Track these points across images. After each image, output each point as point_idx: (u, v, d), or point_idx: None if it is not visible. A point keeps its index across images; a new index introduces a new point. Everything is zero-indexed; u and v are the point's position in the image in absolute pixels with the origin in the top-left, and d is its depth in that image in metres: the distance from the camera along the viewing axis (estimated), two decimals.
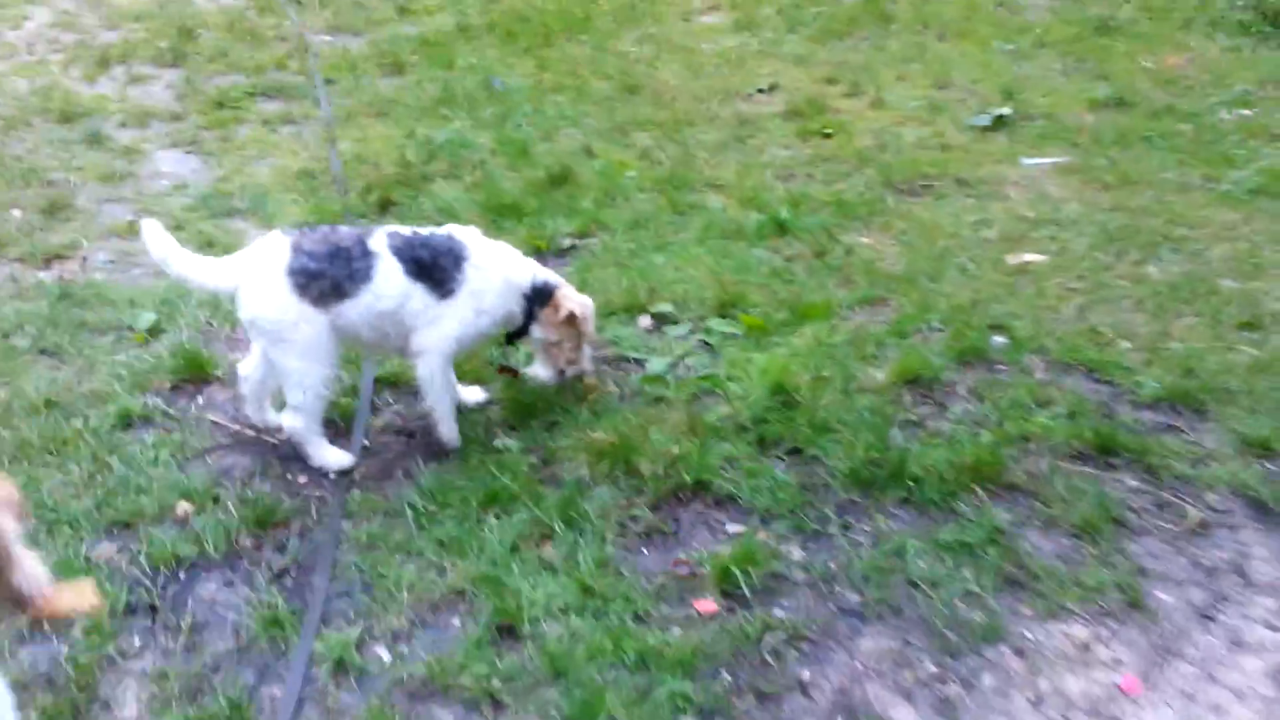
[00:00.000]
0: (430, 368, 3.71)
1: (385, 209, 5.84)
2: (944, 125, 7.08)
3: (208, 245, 5.31)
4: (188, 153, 6.46)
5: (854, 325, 4.65)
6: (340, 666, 2.93)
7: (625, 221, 5.68)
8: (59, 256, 5.15)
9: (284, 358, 3.57)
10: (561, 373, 4.04)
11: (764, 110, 7.55)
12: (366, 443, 3.92)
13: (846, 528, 3.50)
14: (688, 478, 3.63)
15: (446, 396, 3.78)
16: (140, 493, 3.56)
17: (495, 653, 2.97)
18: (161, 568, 3.27)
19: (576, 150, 6.68)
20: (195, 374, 4.22)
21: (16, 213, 5.52)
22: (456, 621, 3.10)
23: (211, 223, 5.57)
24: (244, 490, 3.62)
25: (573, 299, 3.91)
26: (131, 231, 5.45)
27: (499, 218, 5.70)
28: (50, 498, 3.50)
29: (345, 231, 3.67)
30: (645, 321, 4.76)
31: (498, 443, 3.89)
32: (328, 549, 3.34)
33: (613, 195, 6.04)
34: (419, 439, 3.93)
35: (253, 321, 3.54)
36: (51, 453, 3.73)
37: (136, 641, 3.01)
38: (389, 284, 3.58)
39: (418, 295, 3.61)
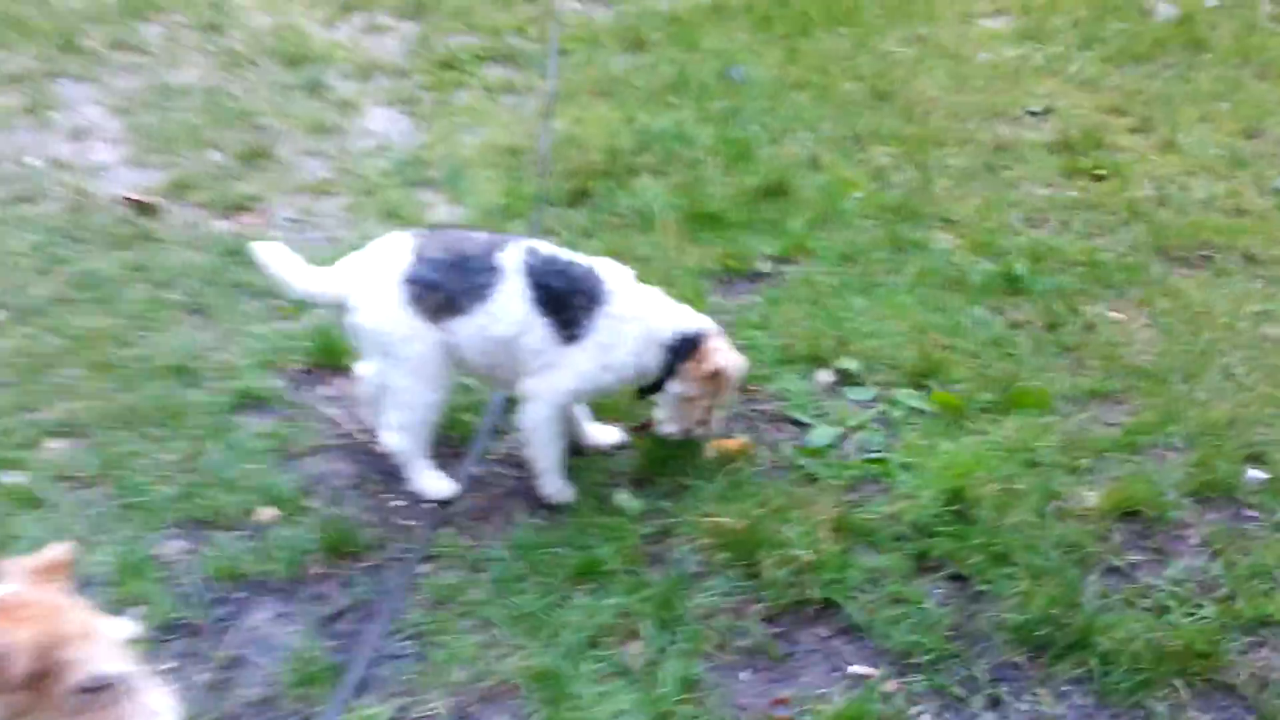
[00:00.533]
0: (536, 417, 3.27)
1: (580, 199, 5.46)
2: (1244, 184, 5.89)
3: (390, 215, 5.13)
4: (401, 112, 6.32)
5: (1073, 425, 3.82)
6: None
7: (835, 251, 5.02)
8: (243, 207, 5.09)
9: (391, 373, 3.23)
10: (688, 431, 3.51)
11: (1029, 137, 6.59)
12: (478, 471, 3.55)
13: (997, 702, 2.80)
14: (816, 592, 3.02)
15: (553, 449, 3.34)
16: (229, 488, 3.35)
17: None
18: (220, 581, 3.03)
19: (802, 160, 6.04)
20: (329, 360, 3.98)
21: (216, 155, 5.53)
22: None
23: (401, 191, 5.38)
24: (333, 504, 3.34)
25: (722, 353, 3.35)
26: (323, 190, 5.35)
27: (697, 227, 5.18)
28: (137, 476, 3.34)
29: (477, 238, 3.28)
30: (825, 376, 4.13)
31: (618, 498, 3.41)
32: (394, 599, 2.99)
33: (829, 218, 5.37)
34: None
35: (359, 329, 3.21)
36: (158, 425, 3.59)
37: (164, 666, 2.77)
38: (509, 308, 3.16)
39: (538, 330, 3.18)
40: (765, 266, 4.95)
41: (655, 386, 3.42)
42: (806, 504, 3.36)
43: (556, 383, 3.21)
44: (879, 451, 3.69)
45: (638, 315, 3.26)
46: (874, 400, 3.99)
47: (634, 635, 2.91)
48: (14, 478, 3.35)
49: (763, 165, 5.88)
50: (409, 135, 6.06)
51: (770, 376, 4.09)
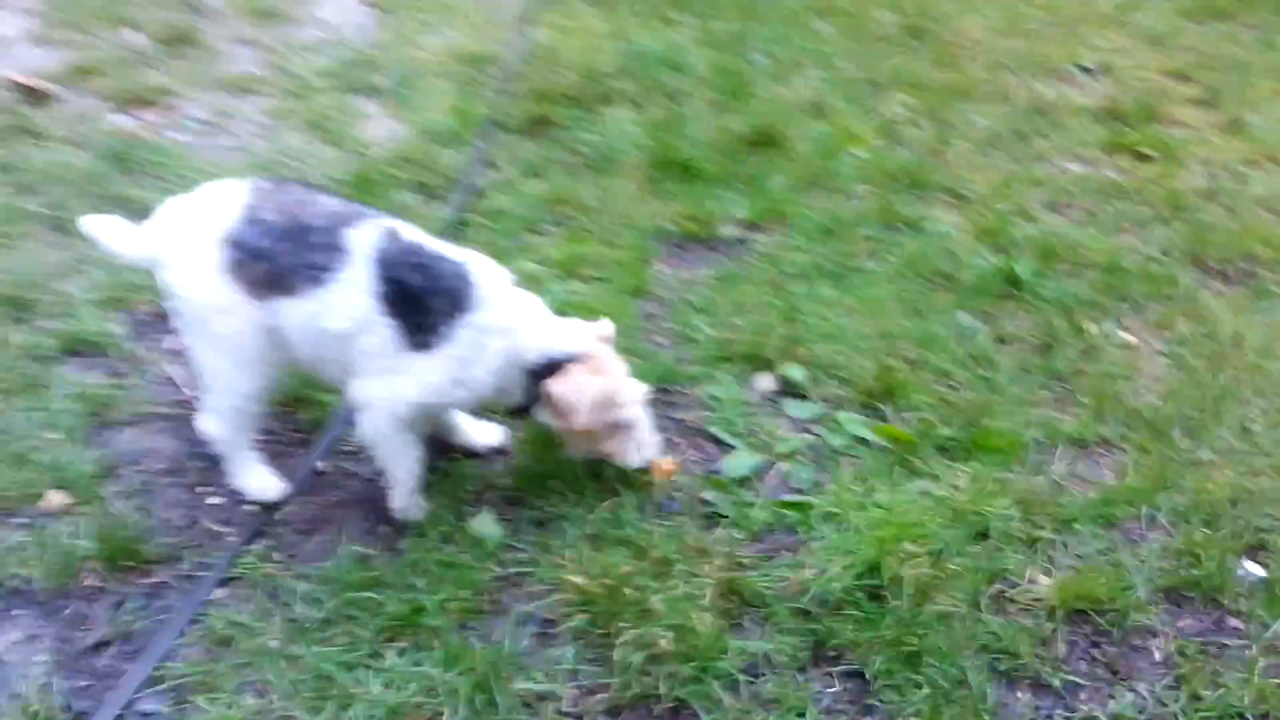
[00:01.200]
0: (372, 428, 2.70)
1: (537, 128, 4.80)
2: None
3: (315, 126, 4.50)
4: (364, 2, 5.60)
5: (1042, 481, 3.20)
6: None
7: (814, 223, 4.35)
8: (147, 101, 4.46)
9: (203, 350, 2.67)
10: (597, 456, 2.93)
11: (1074, 99, 5.78)
12: (324, 466, 3.01)
13: None
14: (665, 689, 2.47)
15: (403, 461, 2.77)
16: (17, 462, 2.83)
17: None
18: None
19: (804, 104, 5.29)
20: None
21: (132, 36, 4.88)
22: None
23: (336, 97, 4.74)
24: (135, 495, 2.82)
25: (574, 382, 2.72)
26: (245, 87, 4.71)
27: (663, 175, 4.52)
28: None
29: (325, 205, 2.65)
30: (765, 383, 3.52)
31: (477, 522, 2.86)
32: (167, 634, 2.48)
33: (818, 180, 4.68)
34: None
35: (169, 292, 2.63)
36: None
37: None
38: (346, 300, 2.55)
39: (380, 332, 2.57)
40: (730, 232, 4.30)
41: (523, 410, 2.83)
42: (696, 556, 2.79)
43: (396, 391, 2.63)
44: (802, 492, 3.09)
45: (505, 330, 2.65)
46: (814, 420, 3.39)
47: None
48: None
49: (757, 106, 5.16)
50: (363, 30, 5.37)
51: (700, 377, 3.49)
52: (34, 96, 4.32)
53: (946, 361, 3.63)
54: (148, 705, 2.35)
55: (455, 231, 3.87)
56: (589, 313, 2.95)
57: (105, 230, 2.70)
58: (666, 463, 3.05)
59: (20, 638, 2.48)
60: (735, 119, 5.01)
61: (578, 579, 2.64)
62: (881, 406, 3.42)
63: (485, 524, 2.88)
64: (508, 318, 2.65)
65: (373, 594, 2.60)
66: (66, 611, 2.54)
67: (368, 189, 4.09)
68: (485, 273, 2.65)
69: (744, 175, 4.62)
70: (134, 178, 3.97)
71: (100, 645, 2.48)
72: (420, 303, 2.56)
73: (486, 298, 2.61)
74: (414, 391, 2.62)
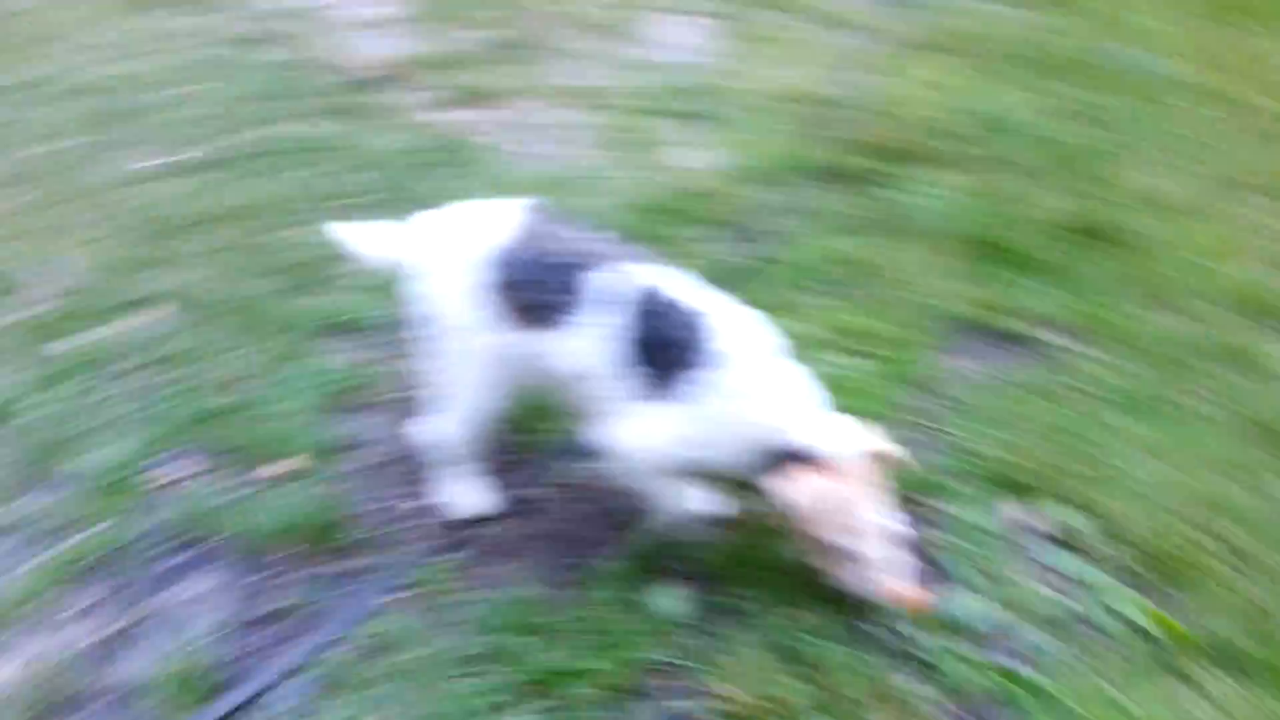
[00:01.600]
0: (620, 471, 2.58)
1: (845, 178, 4.48)
2: None
3: (631, 144, 4.43)
4: (697, 25, 5.49)
5: None
6: None
7: (1138, 342, 3.72)
8: (478, 99, 4.60)
9: (442, 363, 2.64)
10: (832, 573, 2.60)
11: None
12: (530, 494, 2.91)
13: None
14: None
15: (662, 498, 2.66)
16: (261, 424, 2.95)
17: None
18: (185, 528, 2.66)
19: (1153, 196, 4.58)
20: None
21: (478, 35, 5.07)
22: None
23: (651, 119, 4.66)
24: (351, 480, 2.85)
25: (797, 486, 2.40)
26: (569, 98, 4.76)
27: (966, 252, 4.06)
28: (198, 379, 3.02)
29: (586, 242, 2.55)
30: (1025, 518, 3.02)
31: (656, 594, 2.64)
32: (328, 629, 2.47)
33: (1154, 290, 4.02)
34: (617, 506, 2.80)
35: (418, 300, 2.62)
36: (251, 327, 3.26)
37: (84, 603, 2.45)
38: (586, 343, 2.46)
39: (617, 378, 2.47)
40: (1029, 331, 3.77)
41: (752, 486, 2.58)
42: (881, 704, 2.42)
43: (646, 436, 2.48)
44: (1035, 665, 2.61)
45: (743, 395, 2.42)
46: (1077, 581, 2.86)
47: None
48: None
49: (1096, 191, 4.54)
50: (696, 54, 5.26)
51: (952, 493, 3.06)
52: (380, 81, 4.60)
53: (1268, 551, 2.95)
54: (283, 692, 2.34)
55: (731, 277, 3.66)
56: (844, 392, 2.64)
57: (352, 235, 2.75)
58: (917, 595, 2.61)
59: (203, 591, 2.57)
60: (1067, 201, 4.43)
61: (734, 690, 2.35)
62: (1167, 588, 2.83)
63: (667, 599, 2.65)
64: (750, 384, 2.42)
65: (530, 639, 2.45)
66: (252, 579, 2.60)
67: (657, 218, 3.98)
68: (735, 329, 2.44)
69: (1064, 268, 4.05)
70: (457, 173, 4.11)
71: (268, 619, 2.51)
72: (657, 352, 2.40)
73: (728, 355, 2.39)
74: (650, 442, 2.46)
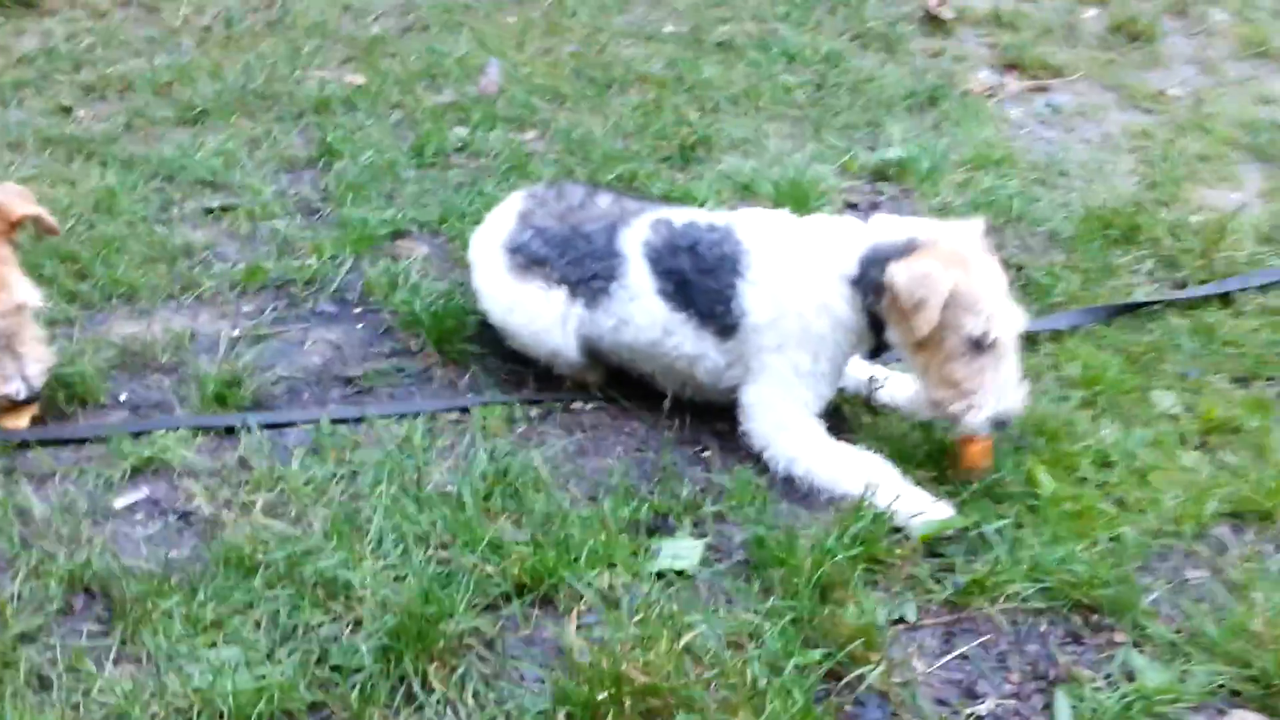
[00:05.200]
0: (763, 433, 2.46)
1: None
2: None
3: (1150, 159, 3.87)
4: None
5: None
6: None
7: None
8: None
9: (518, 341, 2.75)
10: (947, 411, 2.35)
11: None
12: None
13: None
14: None
15: (827, 468, 2.40)
16: None
17: None
18: None
19: None
20: None
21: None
22: None
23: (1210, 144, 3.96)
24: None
25: (917, 269, 2.20)
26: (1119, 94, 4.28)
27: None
28: None
29: (602, 206, 2.59)
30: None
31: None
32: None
33: None
34: None
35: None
36: None
37: None
38: (639, 306, 2.46)
39: (683, 332, 2.43)
40: None
41: (881, 346, 2.44)
42: None
43: (765, 391, 2.41)
44: None
45: (787, 265, 2.34)
46: None
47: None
48: None
49: None
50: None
51: None
52: (935, 21, 4.55)
53: None
54: None
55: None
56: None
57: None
58: (981, 445, 2.37)
59: None
60: None
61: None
62: None
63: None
64: (784, 254, 2.34)
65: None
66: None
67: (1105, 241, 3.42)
68: (745, 221, 2.43)
69: None
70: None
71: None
72: (693, 284, 2.37)
73: (748, 246, 2.36)
74: (776, 386, 2.39)
